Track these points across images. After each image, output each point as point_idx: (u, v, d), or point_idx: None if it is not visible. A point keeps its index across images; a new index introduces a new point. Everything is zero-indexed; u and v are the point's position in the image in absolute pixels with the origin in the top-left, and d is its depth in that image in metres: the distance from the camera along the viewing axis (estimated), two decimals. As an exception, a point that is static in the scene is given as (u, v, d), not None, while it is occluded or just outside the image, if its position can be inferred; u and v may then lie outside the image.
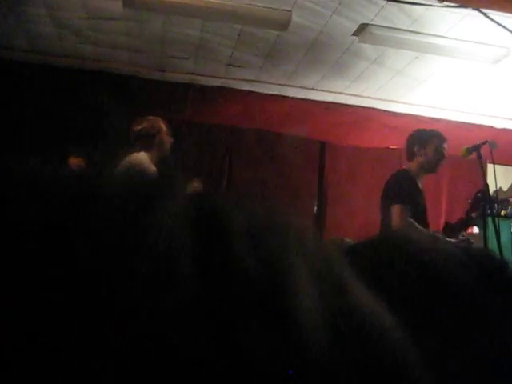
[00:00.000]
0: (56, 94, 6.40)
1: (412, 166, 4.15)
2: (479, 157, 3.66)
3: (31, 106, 6.37)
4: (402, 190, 3.96)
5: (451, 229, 7.41)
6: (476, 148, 3.69)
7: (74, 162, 5.02)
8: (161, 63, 6.02)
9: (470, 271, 0.56)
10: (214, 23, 5.03)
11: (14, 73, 6.07)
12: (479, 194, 3.71)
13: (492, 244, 4.93)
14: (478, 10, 4.07)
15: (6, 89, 6.09)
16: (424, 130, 4.26)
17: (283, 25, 4.85)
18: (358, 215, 7.19)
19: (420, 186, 4.12)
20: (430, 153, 4.06)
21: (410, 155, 4.18)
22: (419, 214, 3.95)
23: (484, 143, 3.67)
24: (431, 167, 4.09)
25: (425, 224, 4.01)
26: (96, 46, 5.71)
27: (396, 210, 3.90)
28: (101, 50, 5.80)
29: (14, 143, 5.90)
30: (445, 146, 4.07)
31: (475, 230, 6.87)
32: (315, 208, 6.21)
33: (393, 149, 7.56)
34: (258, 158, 7.27)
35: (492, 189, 6.16)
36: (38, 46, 5.83)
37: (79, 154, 5.12)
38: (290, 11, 4.68)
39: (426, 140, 4.10)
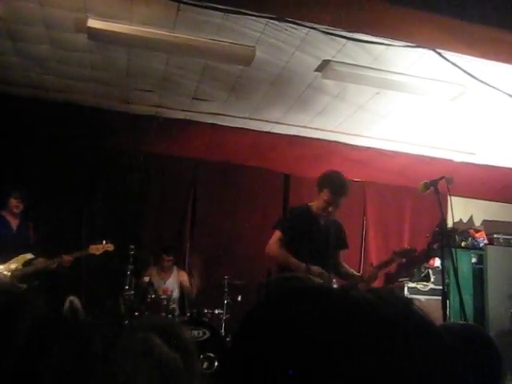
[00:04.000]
0: (17, 124, 6.38)
1: (315, 203, 4.43)
2: (437, 192, 3.75)
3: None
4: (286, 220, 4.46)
5: (414, 260, 7.55)
6: (433, 183, 3.79)
7: (13, 203, 5.64)
8: (125, 95, 6.03)
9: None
10: (179, 57, 5.09)
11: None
12: (437, 228, 3.79)
13: (451, 275, 5.02)
14: (433, 50, 4.22)
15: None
16: (329, 174, 4.41)
17: (247, 60, 4.93)
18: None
19: (319, 221, 4.40)
20: (324, 197, 4.29)
21: (317, 193, 4.42)
22: (312, 251, 4.23)
23: (441, 179, 3.77)
24: (324, 211, 4.33)
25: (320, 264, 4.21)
26: (60, 77, 5.71)
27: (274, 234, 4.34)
28: (65, 81, 5.79)
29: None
30: (338, 198, 4.29)
31: (437, 261, 6.99)
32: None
33: (356, 181, 7.69)
34: (223, 191, 7.31)
35: (451, 221, 6.33)
36: (1, 76, 5.79)
37: (19, 196, 5.67)
38: (254, 47, 4.77)
39: (324, 184, 4.33)
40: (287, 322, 0.61)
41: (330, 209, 4.29)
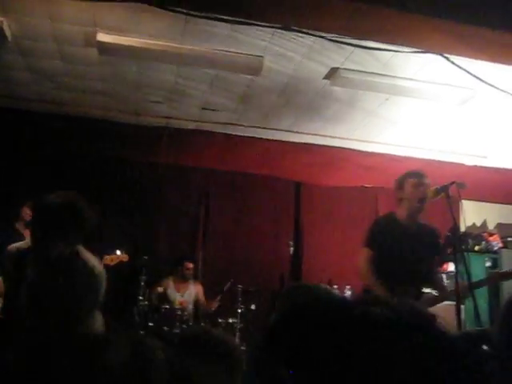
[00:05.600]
0: (31, 138, 6.45)
1: (400, 210, 4.13)
2: (447, 197, 3.73)
3: (7, 150, 6.41)
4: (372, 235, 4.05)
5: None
6: (444, 189, 3.76)
7: (25, 211, 5.39)
8: (136, 107, 6.07)
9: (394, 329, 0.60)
10: (188, 68, 5.12)
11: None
12: (449, 234, 3.77)
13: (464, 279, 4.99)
14: (441, 55, 4.22)
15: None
16: (403, 174, 4.20)
17: (256, 70, 4.96)
18: (335, 255, 7.24)
19: (408, 229, 4.07)
20: (409, 192, 4.04)
21: (397, 201, 4.16)
22: (402, 265, 3.90)
23: (452, 184, 3.74)
24: (416, 205, 4.03)
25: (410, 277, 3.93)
26: (71, 91, 5.76)
27: (361, 253, 4.02)
28: (76, 95, 5.85)
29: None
30: (423, 180, 4.04)
31: (450, 266, 6.95)
32: (291, 249, 6.23)
33: (368, 187, 7.68)
34: (235, 200, 7.32)
35: (463, 225, 6.28)
36: (14, 92, 5.86)
37: (31, 205, 5.31)
38: (262, 57, 4.79)
39: (402, 182, 4.10)
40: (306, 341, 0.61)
41: (422, 189, 3.97)
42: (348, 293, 6.46)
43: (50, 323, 2.85)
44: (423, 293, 4.09)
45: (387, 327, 0.61)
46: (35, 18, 4.36)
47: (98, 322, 3.24)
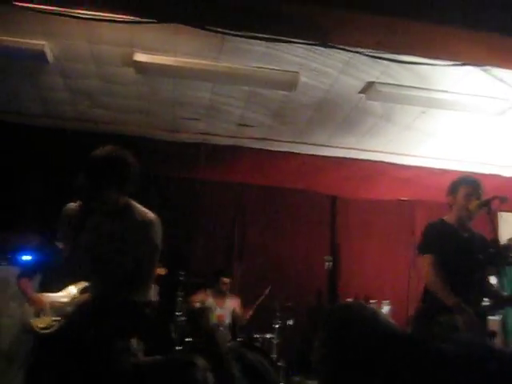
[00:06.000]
0: (69, 156, 6.55)
1: (450, 215, 3.97)
2: (489, 211, 3.65)
3: (46, 169, 6.52)
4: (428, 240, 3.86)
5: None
6: (486, 203, 3.69)
7: None
8: (173, 125, 6.15)
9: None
10: (224, 85, 5.17)
11: (29, 137, 6.24)
12: (491, 250, 3.67)
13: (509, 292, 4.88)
14: (479, 66, 4.17)
15: (22, 152, 6.26)
16: (459, 177, 4.00)
17: (291, 85, 4.98)
18: (372, 269, 7.16)
19: (462, 235, 3.89)
20: (460, 201, 3.84)
21: (449, 205, 3.98)
22: (451, 266, 3.70)
23: (494, 198, 3.66)
24: (467, 214, 3.84)
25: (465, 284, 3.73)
26: (108, 110, 5.87)
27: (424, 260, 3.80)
28: (113, 113, 5.95)
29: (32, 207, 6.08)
30: (477, 190, 3.82)
31: (492, 280, 6.81)
32: (328, 264, 6.18)
33: (404, 200, 7.59)
34: (271, 215, 7.31)
35: (505, 238, 6.15)
36: (53, 111, 6.00)
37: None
38: (298, 72, 4.81)
39: (455, 188, 3.90)
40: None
41: (473, 200, 3.75)
42: (385, 308, 6.37)
43: (112, 280, 2.90)
44: (482, 300, 3.90)
45: (460, 365, 0.61)
46: (75, 40, 4.47)
47: (153, 291, 3.31)
